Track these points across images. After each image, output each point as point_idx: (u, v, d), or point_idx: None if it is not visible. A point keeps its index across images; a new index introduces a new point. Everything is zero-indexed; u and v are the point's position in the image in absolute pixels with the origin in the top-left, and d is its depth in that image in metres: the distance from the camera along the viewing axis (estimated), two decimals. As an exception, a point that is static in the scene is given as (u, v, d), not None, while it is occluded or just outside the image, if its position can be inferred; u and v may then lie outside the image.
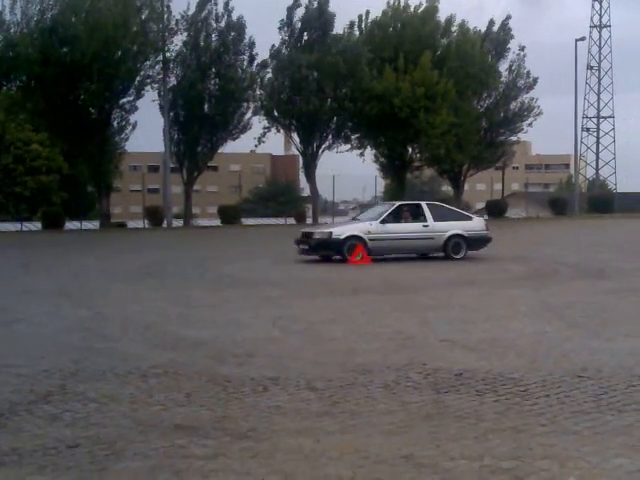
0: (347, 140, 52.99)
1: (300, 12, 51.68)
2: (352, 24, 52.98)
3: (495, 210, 56.03)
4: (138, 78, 46.08)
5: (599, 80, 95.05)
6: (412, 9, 53.25)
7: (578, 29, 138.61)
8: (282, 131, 54.08)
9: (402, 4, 53.38)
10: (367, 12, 53.57)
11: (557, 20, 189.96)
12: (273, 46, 51.45)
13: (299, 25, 51.68)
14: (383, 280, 18.33)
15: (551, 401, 7.59)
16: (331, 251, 22.66)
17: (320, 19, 51.23)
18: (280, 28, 51.76)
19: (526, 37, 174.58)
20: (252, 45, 49.72)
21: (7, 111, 47.55)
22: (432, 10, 52.93)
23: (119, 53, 43.79)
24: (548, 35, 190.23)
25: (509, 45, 55.89)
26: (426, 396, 7.80)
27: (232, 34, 49.08)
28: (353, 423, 6.94)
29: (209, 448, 6.34)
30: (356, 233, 22.59)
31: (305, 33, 51.71)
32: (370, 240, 22.42)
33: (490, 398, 7.70)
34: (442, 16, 54.16)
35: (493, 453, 6.17)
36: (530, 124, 56.51)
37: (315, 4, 51.48)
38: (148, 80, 46.72)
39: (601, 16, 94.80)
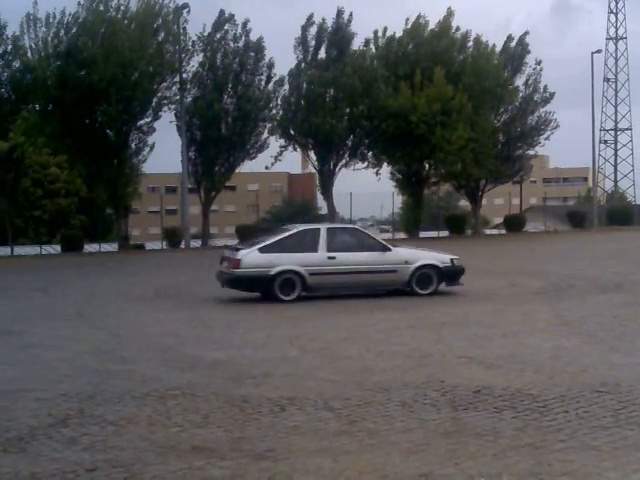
0: (363, 158, 53.01)
1: (314, 30, 51.86)
2: (367, 41, 53.07)
3: (514, 224, 55.89)
4: (155, 99, 46.26)
5: (616, 92, 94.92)
6: (431, 26, 53.21)
7: (599, 42, 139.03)
8: (299, 150, 54.16)
9: (422, 22, 53.36)
10: (385, 29, 53.58)
11: (582, 33, 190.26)
12: (292, 67, 51.63)
13: (314, 43, 51.84)
14: (397, 297, 18.25)
15: (570, 417, 7.56)
16: None
17: (337, 37, 51.37)
18: (295, 47, 51.99)
19: (550, 51, 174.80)
20: (271, 66, 49.91)
21: (26, 135, 47.88)
22: (447, 26, 52.94)
23: (136, 75, 43.93)
24: (572, 48, 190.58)
25: (526, 59, 55.90)
26: (444, 414, 7.78)
27: (251, 54, 49.28)
28: (371, 442, 6.94)
29: (227, 469, 6.34)
30: None
31: (320, 51, 51.87)
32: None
33: (508, 415, 7.68)
34: (470, 32, 54.21)
35: (512, 470, 6.15)
36: (547, 138, 56.34)
37: (329, 23, 51.67)
38: (165, 101, 46.91)
39: (617, 28, 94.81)
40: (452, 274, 19.09)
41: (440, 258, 19.25)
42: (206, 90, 48.25)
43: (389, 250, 18.92)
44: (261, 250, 18.43)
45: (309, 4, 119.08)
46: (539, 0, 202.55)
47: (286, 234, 19.20)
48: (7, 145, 45.81)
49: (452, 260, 19.22)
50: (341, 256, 18.49)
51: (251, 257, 18.23)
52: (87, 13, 43.72)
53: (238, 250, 18.86)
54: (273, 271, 18.01)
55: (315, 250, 18.47)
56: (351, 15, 51.84)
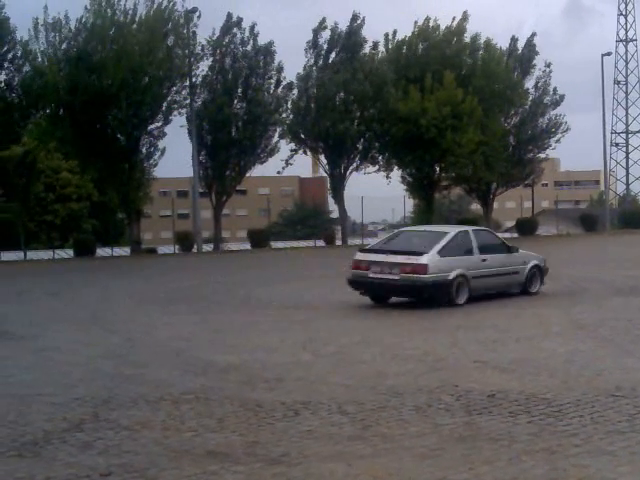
0: (374, 161, 52.99)
1: (326, 34, 51.95)
2: (376, 44, 53.05)
3: (526, 228, 55.76)
4: (165, 104, 46.33)
5: (627, 95, 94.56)
6: (442, 29, 53.08)
7: (611, 44, 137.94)
8: (309, 153, 54.20)
9: (431, 24, 53.34)
10: (394, 32, 53.61)
11: (594, 36, 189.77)
12: (300, 70, 51.73)
13: (325, 47, 51.90)
14: (412, 301, 18.18)
15: (585, 421, 7.53)
16: None
17: (349, 41, 51.42)
18: (306, 50, 52.03)
19: (563, 54, 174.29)
20: (280, 69, 49.97)
21: (37, 139, 48.00)
22: (460, 30, 52.92)
23: (146, 80, 44.00)
24: (584, 51, 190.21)
25: (535, 62, 55.86)
26: (458, 418, 7.76)
27: (261, 58, 49.38)
28: (385, 447, 6.92)
29: (241, 474, 6.33)
30: None
31: (331, 55, 51.92)
32: None
33: (523, 419, 7.65)
34: (480, 35, 54.12)
35: (527, 475, 6.12)
36: (558, 140, 56.30)
37: (342, 27, 51.76)
38: (175, 105, 46.98)
39: (627, 31, 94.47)
40: (542, 274, 19.40)
41: (539, 258, 19.49)
42: (216, 94, 48.32)
43: (516, 251, 18.94)
44: (440, 254, 17.25)
45: (316, 7, 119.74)
46: (551, 3, 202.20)
47: (449, 236, 17.91)
48: (21, 150, 45.93)
49: (543, 260, 19.54)
50: (489, 258, 18.14)
51: (436, 261, 17.04)
52: (94, 17, 43.84)
53: (418, 254, 17.10)
54: (451, 276, 17.06)
55: (471, 253, 17.91)
56: (363, 20, 51.98)
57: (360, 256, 18.19)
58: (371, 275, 17.47)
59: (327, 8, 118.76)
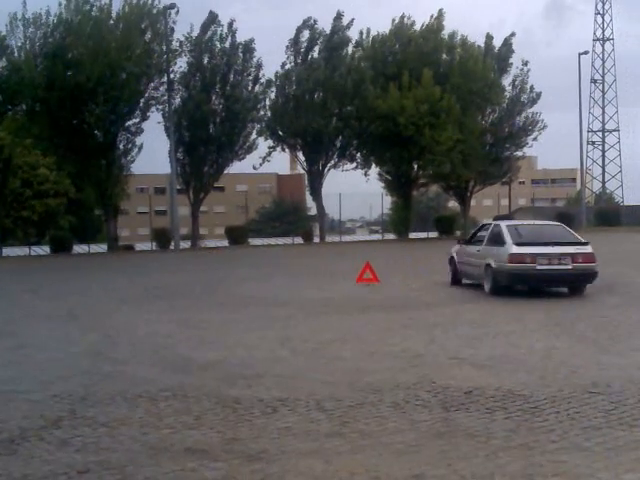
0: (352, 158, 53.08)
1: (307, 33, 51.99)
2: (359, 43, 53.18)
3: (503, 225, 55.89)
4: (143, 100, 46.24)
5: (603, 94, 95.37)
6: (418, 27, 53.25)
7: (589, 43, 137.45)
8: (287, 150, 54.19)
9: (407, 22, 53.47)
10: (368, 30, 53.74)
11: (573, 35, 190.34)
12: (281, 66, 51.78)
13: (305, 45, 51.93)
14: (390, 298, 18.27)
15: (561, 417, 7.58)
16: None
17: (332, 39, 51.47)
18: (288, 47, 52.04)
19: (542, 53, 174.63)
20: (259, 66, 50.01)
21: (13, 135, 47.70)
22: (437, 27, 53.02)
23: (123, 76, 43.92)
24: (563, 50, 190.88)
25: (512, 60, 56.06)
26: (436, 414, 7.79)
27: (239, 55, 49.37)
28: (363, 443, 6.93)
29: (220, 471, 6.33)
30: None
31: (312, 52, 52.00)
32: None
33: (500, 415, 7.69)
34: (457, 33, 54.26)
35: (504, 471, 6.15)
36: (535, 138, 56.57)
37: (325, 25, 51.95)
38: (153, 102, 46.90)
39: (604, 30, 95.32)
40: None
41: None
42: (194, 91, 48.27)
43: None
44: None
45: (303, 8, 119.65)
46: (532, 2, 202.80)
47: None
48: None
49: None
50: None
51: None
52: (70, 13, 43.67)
53: (584, 244, 17.98)
54: None
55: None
56: (352, 22, 52.17)
57: (519, 249, 17.74)
58: (539, 267, 17.49)
59: (315, 9, 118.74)
